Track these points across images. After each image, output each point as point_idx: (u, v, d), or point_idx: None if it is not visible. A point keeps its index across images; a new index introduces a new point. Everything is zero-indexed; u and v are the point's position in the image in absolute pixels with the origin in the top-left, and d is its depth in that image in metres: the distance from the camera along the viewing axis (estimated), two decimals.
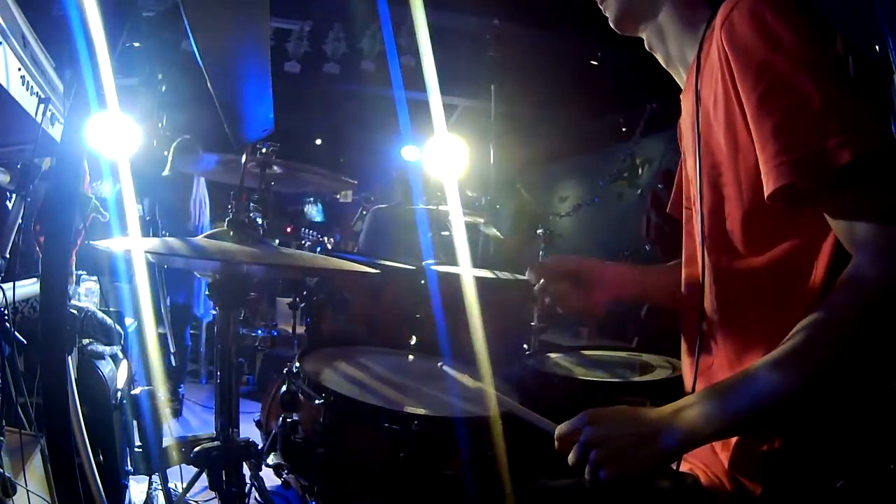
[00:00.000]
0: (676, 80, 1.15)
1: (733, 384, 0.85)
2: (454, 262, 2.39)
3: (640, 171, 5.51)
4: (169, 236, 2.31)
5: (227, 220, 1.44)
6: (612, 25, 1.14)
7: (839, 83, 0.81)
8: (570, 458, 0.89)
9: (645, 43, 1.15)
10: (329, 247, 4.73)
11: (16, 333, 1.31)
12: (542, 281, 1.27)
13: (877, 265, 0.78)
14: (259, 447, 1.46)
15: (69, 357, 1.55)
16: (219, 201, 5.65)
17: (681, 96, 1.12)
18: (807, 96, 0.80)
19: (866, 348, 0.79)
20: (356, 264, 1.47)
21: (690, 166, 1.10)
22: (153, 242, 1.47)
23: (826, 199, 0.84)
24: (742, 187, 0.92)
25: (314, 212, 9.44)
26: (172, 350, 2.36)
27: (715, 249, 0.99)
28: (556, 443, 0.92)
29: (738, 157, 0.92)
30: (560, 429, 0.92)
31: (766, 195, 0.84)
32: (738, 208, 0.94)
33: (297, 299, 2.22)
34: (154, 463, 1.73)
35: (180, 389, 3.71)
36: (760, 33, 0.85)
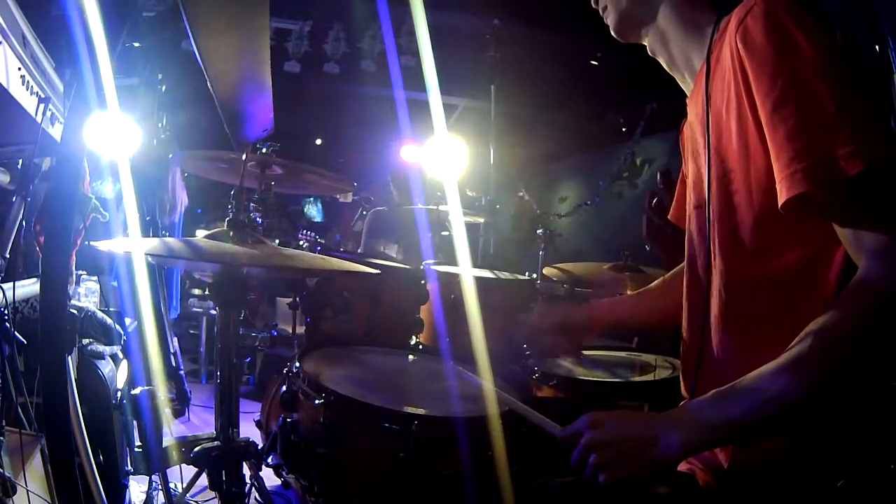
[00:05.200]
0: (680, 83, 1.14)
1: (737, 390, 0.84)
2: (454, 262, 2.39)
3: (640, 171, 5.51)
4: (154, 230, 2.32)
5: (227, 220, 1.44)
6: (613, 34, 1.14)
7: (853, 91, 0.81)
8: (571, 460, 0.89)
9: (648, 48, 1.14)
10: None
11: (16, 333, 1.31)
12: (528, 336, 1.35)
13: (886, 272, 0.78)
14: (259, 447, 1.46)
15: (69, 357, 1.55)
16: (219, 201, 5.64)
17: (687, 101, 1.11)
18: (821, 103, 0.80)
19: (871, 354, 0.79)
20: (356, 264, 1.47)
21: (694, 172, 1.09)
22: (153, 243, 1.47)
23: (836, 208, 0.83)
24: (753, 194, 0.92)
25: (314, 212, 9.43)
26: (172, 350, 2.36)
27: (725, 256, 0.98)
28: (559, 445, 0.93)
29: (749, 164, 0.91)
30: (562, 432, 0.93)
31: (779, 204, 0.83)
32: (750, 216, 0.93)
33: (297, 299, 2.21)
34: (154, 463, 1.73)
35: (187, 390, 3.70)
36: (777, 39, 0.84)
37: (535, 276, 2.63)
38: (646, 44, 1.14)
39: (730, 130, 0.93)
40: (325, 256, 1.58)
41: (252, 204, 2.00)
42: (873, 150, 0.77)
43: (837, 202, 0.82)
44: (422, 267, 2.13)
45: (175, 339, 2.64)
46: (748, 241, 0.94)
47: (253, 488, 1.77)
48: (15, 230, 1.66)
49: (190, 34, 1.14)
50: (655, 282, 1.41)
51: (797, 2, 0.86)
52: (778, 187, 0.84)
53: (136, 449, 1.78)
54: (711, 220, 0.98)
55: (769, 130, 0.85)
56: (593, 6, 1.16)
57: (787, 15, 0.85)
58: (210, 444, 1.41)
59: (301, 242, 4.20)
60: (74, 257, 1.85)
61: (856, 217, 0.82)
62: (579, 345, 1.40)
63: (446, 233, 3.17)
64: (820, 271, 0.89)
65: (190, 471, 1.83)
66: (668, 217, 1.34)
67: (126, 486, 1.96)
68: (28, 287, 1.59)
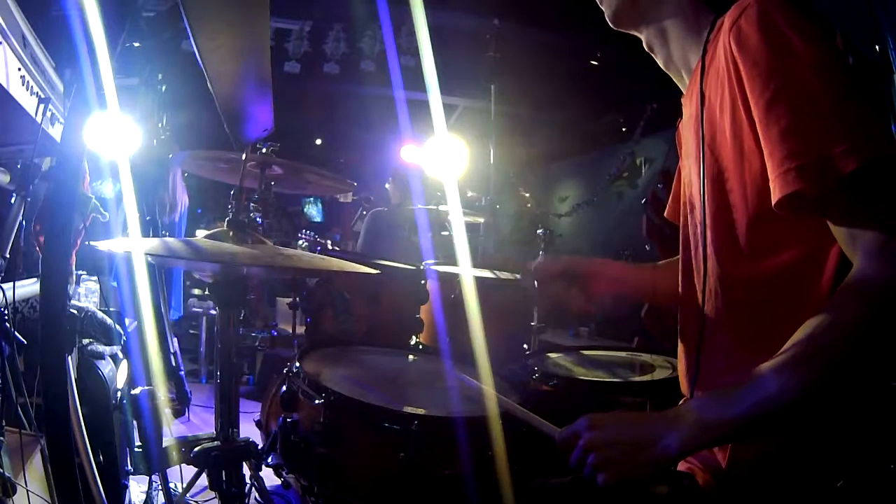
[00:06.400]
0: (676, 82, 1.14)
1: (735, 390, 0.84)
2: (454, 262, 2.39)
3: (640, 171, 5.51)
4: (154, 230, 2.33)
5: (226, 220, 1.44)
6: (608, 21, 1.13)
7: (847, 90, 0.81)
8: (570, 462, 0.89)
9: (644, 43, 1.14)
10: (329, 247, 4.74)
11: (16, 333, 1.31)
12: (536, 284, 1.29)
13: (882, 270, 0.78)
14: (259, 447, 1.46)
15: (69, 357, 1.55)
16: (219, 201, 5.64)
17: (682, 99, 1.11)
18: (815, 102, 0.80)
19: (869, 353, 0.79)
20: (356, 264, 1.47)
21: (692, 171, 1.09)
22: (153, 243, 1.47)
23: (831, 206, 0.83)
24: (748, 194, 0.92)
25: (314, 212, 9.44)
26: (172, 350, 2.37)
27: (720, 256, 0.98)
28: (557, 447, 0.93)
29: (744, 163, 0.91)
30: (561, 433, 0.93)
31: (773, 203, 0.83)
32: (744, 215, 0.93)
33: (297, 299, 2.22)
34: (154, 463, 1.73)
35: (187, 390, 3.71)
36: (770, 38, 0.84)
37: None
38: (641, 37, 1.13)
39: (724, 130, 0.93)
40: (325, 257, 1.58)
41: (252, 204, 2.01)
42: (868, 148, 0.77)
43: (832, 200, 0.82)
44: (422, 267, 2.13)
45: (175, 339, 2.66)
46: (743, 241, 0.94)
47: (253, 488, 1.77)
48: (15, 230, 1.66)
49: (190, 34, 1.14)
50: (662, 262, 1.39)
51: (791, 2, 0.86)
52: (771, 186, 0.84)
53: (136, 449, 1.79)
54: (706, 219, 0.98)
55: (763, 130, 0.85)
56: None
57: (780, 15, 0.85)
58: (210, 444, 1.41)
59: (301, 242, 4.21)
60: (74, 257, 1.86)
61: (851, 215, 0.82)
62: (587, 297, 1.35)
63: (446, 233, 3.17)
64: (815, 270, 0.89)
65: (190, 471, 1.83)
66: (665, 214, 1.34)
67: (126, 486, 1.96)
68: (28, 287, 1.59)
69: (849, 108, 0.80)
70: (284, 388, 1.40)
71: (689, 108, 1.07)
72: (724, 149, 0.94)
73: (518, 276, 2.43)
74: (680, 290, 1.13)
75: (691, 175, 1.05)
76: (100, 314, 1.82)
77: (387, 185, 4.15)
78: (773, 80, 0.83)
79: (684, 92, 1.11)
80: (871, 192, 0.80)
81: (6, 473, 1.21)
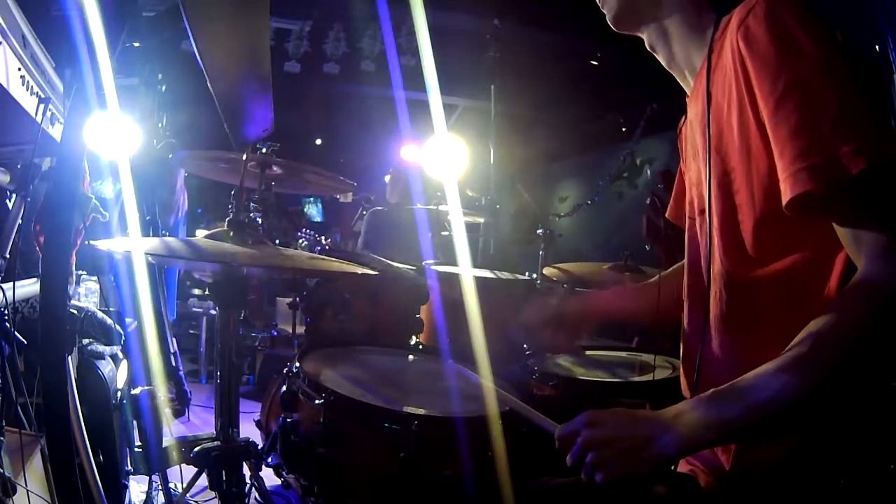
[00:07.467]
0: (679, 81, 1.14)
1: (736, 389, 0.84)
2: (454, 262, 2.39)
3: (640, 171, 5.51)
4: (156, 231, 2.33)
5: (227, 220, 1.44)
6: (609, 22, 1.12)
7: (854, 90, 0.81)
8: (568, 459, 0.89)
9: (646, 43, 1.13)
10: (328, 247, 4.74)
11: (16, 333, 1.31)
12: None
13: (887, 272, 0.78)
14: (259, 447, 1.46)
15: (69, 357, 1.55)
16: (219, 201, 5.64)
17: (687, 99, 1.10)
18: (824, 102, 0.80)
19: (872, 354, 0.78)
20: (356, 265, 1.47)
21: (695, 172, 1.09)
22: (153, 243, 1.47)
23: (837, 206, 0.83)
24: (755, 194, 0.91)
25: (314, 212, 9.45)
26: (172, 350, 2.37)
27: (725, 257, 0.97)
28: (556, 444, 0.92)
29: (751, 163, 0.91)
30: (560, 430, 0.93)
31: (783, 204, 0.83)
32: (751, 216, 0.93)
33: (297, 299, 2.22)
34: (154, 463, 1.73)
35: (187, 390, 3.71)
36: (779, 38, 0.84)
37: (535, 276, 2.63)
38: (643, 37, 1.12)
39: (731, 129, 0.93)
40: (324, 257, 1.58)
41: (252, 204, 2.01)
42: (875, 149, 0.77)
43: (839, 201, 0.82)
44: (422, 267, 2.13)
45: (175, 339, 2.66)
46: (749, 242, 0.94)
47: (253, 488, 1.77)
48: (15, 230, 1.66)
49: (190, 34, 1.14)
50: (655, 277, 1.40)
51: (798, 1, 0.86)
52: (782, 186, 0.83)
53: (136, 449, 1.79)
54: (712, 220, 0.98)
55: (772, 129, 0.85)
56: None
57: (788, 14, 0.85)
58: (210, 444, 1.41)
59: (301, 241, 4.21)
60: (74, 257, 1.85)
61: (856, 216, 0.82)
62: (576, 337, 1.40)
63: (446, 233, 3.17)
64: (822, 273, 0.89)
65: (190, 471, 1.83)
66: (666, 215, 1.33)
67: (126, 486, 1.96)
68: (28, 287, 1.59)
69: (857, 109, 0.80)
70: (284, 388, 1.40)
71: (694, 107, 1.06)
72: (731, 148, 0.94)
73: (518, 276, 2.43)
74: (685, 290, 1.13)
75: (700, 175, 1.05)
76: (100, 314, 1.81)
77: (386, 178, 4.15)
78: (782, 79, 0.83)
79: (687, 92, 1.11)
80: (877, 193, 0.79)
81: (6, 473, 1.21)
